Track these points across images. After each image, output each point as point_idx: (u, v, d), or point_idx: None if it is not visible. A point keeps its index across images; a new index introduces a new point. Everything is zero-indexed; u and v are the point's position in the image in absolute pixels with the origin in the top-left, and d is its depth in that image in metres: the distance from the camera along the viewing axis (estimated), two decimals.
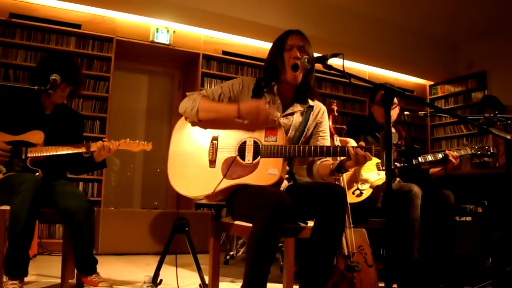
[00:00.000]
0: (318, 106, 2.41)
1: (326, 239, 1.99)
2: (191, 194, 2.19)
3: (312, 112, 2.36)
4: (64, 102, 3.02)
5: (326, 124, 2.43)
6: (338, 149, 2.13)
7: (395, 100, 3.35)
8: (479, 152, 3.23)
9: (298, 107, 2.33)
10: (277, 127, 2.16)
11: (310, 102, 2.36)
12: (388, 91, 1.77)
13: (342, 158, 2.19)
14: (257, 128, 2.17)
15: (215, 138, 2.24)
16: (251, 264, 1.88)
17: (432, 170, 3.45)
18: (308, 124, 2.34)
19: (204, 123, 2.27)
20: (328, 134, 2.43)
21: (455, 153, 3.19)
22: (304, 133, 2.33)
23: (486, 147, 3.22)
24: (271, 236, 1.86)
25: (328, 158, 2.34)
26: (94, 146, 2.75)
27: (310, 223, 2.18)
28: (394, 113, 3.38)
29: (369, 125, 3.47)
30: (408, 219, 3.01)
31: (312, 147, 2.13)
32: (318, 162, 2.33)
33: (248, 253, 1.91)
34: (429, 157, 3.21)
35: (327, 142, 2.40)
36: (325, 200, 1.98)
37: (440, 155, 3.21)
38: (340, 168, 2.17)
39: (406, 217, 3.02)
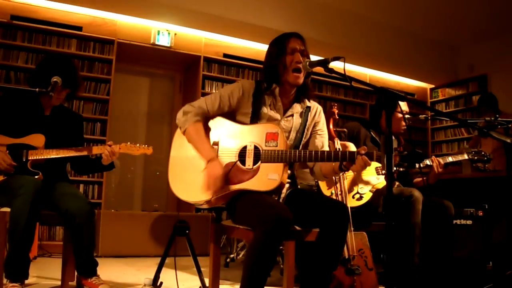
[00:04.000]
0: (315, 106, 2.43)
1: (327, 254, 2.03)
2: (191, 199, 2.19)
3: (310, 113, 2.38)
4: (65, 104, 3.03)
5: (324, 123, 2.45)
6: (339, 154, 2.12)
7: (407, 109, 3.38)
8: (475, 157, 3.24)
9: (297, 108, 2.34)
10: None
11: (307, 103, 2.38)
12: (389, 95, 1.78)
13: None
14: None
15: (215, 143, 2.24)
16: (248, 274, 1.90)
17: (415, 180, 3.47)
18: (307, 124, 2.36)
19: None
20: (326, 131, 2.45)
21: (441, 161, 3.20)
22: (304, 133, 2.34)
23: (483, 153, 3.23)
24: (270, 251, 1.89)
25: None
26: (96, 150, 2.75)
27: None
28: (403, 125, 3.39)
29: (368, 126, 3.47)
30: (409, 224, 3.02)
31: (313, 152, 2.13)
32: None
33: (247, 262, 1.92)
34: (428, 162, 3.21)
35: (325, 140, 2.42)
36: (329, 218, 2.01)
37: (427, 162, 3.22)
38: (342, 167, 2.18)
39: (407, 222, 3.02)
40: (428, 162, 3.22)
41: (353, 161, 2.07)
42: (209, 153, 2.16)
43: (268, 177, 2.07)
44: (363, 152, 2.05)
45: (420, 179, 3.41)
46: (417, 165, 3.20)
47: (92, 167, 2.93)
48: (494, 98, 5.13)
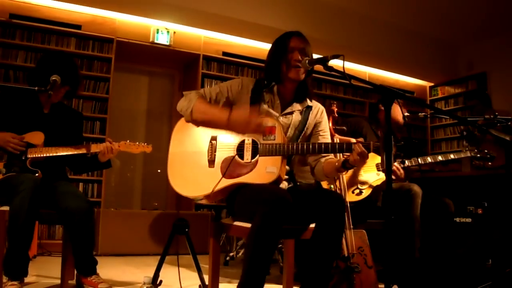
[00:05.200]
0: (317, 106, 2.43)
1: (326, 245, 2.00)
2: (190, 194, 2.20)
3: (311, 112, 2.38)
4: (65, 102, 3.03)
5: (326, 123, 2.45)
6: (337, 145, 2.13)
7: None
8: (478, 155, 3.24)
9: (297, 107, 2.35)
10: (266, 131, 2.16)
11: (309, 102, 2.37)
12: (388, 93, 1.78)
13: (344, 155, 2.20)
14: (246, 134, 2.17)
15: (214, 138, 2.26)
16: (249, 262, 1.88)
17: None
18: (308, 123, 2.36)
19: (197, 123, 2.25)
20: (328, 132, 2.45)
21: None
22: (304, 132, 2.34)
23: (486, 151, 3.22)
24: (271, 233, 1.87)
25: (331, 156, 2.35)
26: (94, 147, 2.74)
27: (310, 225, 2.18)
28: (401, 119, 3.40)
29: (370, 125, 3.49)
30: (409, 218, 3.03)
31: (310, 144, 2.15)
32: (323, 160, 2.34)
33: (247, 250, 1.91)
34: (429, 159, 3.21)
35: (328, 141, 2.41)
36: (326, 207, 2.00)
37: (429, 159, 3.23)
38: (346, 164, 2.18)
39: (406, 216, 3.03)
40: (429, 159, 3.21)
41: (351, 152, 2.09)
42: (223, 111, 2.11)
43: (266, 170, 2.10)
44: (359, 142, 2.08)
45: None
46: (420, 160, 3.19)
47: (89, 165, 2.92)
48: (487, 94, 5.17)
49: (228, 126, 2.08)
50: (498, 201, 3.63)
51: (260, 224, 1.86)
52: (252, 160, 2.15)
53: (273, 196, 1.88)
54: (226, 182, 2.14)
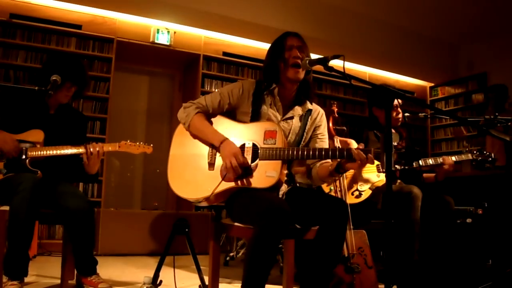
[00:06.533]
0: (317, 109, 2.42)
1: (327, 250, 2.00)
2: (190, 197, 2.19)
3: (310, 116, 2.36)
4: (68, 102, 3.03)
5: (325, 126, 2.44)
6: (337, 151, 2.12)
7: (398, 102, 3.36)
8: (479, 158, 3.24)
9: (298, 111, 2.33)
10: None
11: (309, 106, 2.36)
12: (388, 92, 1.77)
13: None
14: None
15: None
16: (249, 271, 1.89)
17: (425, 175, 3.46)
18: (307, 128, 2.35)
19: (193, 136, 2.30)
20: (326, 136, 2.44)
21: (451, 160, 3.19)
22: (303, 137, 2.34)
23: (487, 153, 3.22)
24: (271, 245, 1.88)
25: (327, 160, 2.34)
26: (92, 147, 2.73)
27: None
28: (398, 117, 3.39)
29: (371, 125, 3.48)
30: (408, 221, 3.02)
31: (311, 150, 2.13)
32: (318, 164, 2.34)
33: (247, 259, 1.91)
34: (430, 161, 3.21)
35: (326, 145, 2.41)
36: (328, 213, 1.99)
37: (440, 160, 3.21)
38: (339, 169, 2.18)
39: (406, 218, 3.02)
40: (431, 161, 3.21)
41: (351, 158, 2.07)
42: (218, 136, 2.19)
43: (266, 175, 2.09)
44: (360, 148, 2.06)
45: (432, 174, 3.40)
46: (421, 162, 3.19)
47: (80, 174, 2.88)
48: (505, 91, 5.08)
49: (217, 149, 2.18)
50: (498, 201, 3.63)
51: (259, 237, 1.87)
52: (252, 164, 2.14)
53: (271, 208, 1.87)
54: (226, 185, 2.13)
